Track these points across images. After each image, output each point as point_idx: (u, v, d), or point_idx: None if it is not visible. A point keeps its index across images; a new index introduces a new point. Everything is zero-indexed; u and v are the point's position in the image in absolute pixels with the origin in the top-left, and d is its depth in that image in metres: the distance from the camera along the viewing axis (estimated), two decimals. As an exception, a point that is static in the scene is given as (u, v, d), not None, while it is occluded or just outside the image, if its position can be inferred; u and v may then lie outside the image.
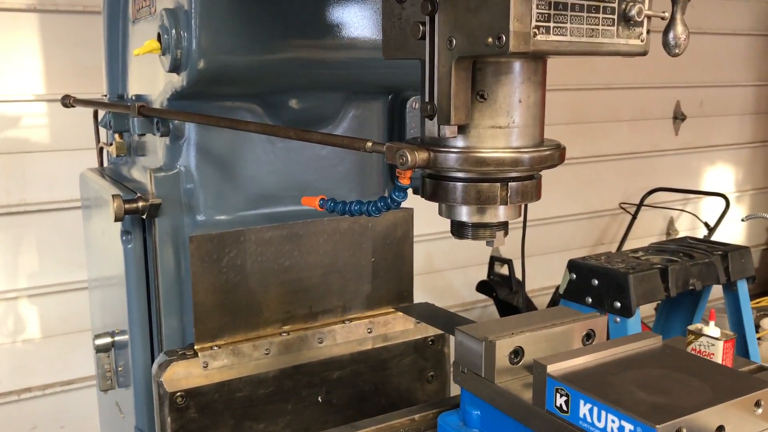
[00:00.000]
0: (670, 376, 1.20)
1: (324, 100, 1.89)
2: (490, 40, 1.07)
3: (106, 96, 2.32)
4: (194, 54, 1.58)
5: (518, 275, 4.72)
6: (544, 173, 1.28)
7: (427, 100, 1.18)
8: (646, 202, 5.83)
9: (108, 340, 2.09)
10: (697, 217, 6.07)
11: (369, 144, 1.26)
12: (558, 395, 1.19)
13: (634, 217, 5.77)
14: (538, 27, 1.07)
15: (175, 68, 1.61)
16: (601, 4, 1.13)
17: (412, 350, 2.02)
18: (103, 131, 2.39)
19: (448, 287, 5.35)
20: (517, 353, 1.36)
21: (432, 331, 2.03)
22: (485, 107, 1.19)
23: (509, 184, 1.23)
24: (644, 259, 3.02)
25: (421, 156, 1.19)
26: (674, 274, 2.89)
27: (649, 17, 1.17)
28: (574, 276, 2.94)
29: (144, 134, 1.88)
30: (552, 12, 1.08)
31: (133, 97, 2.11)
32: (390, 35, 1.26)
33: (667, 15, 1.17)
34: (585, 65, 5.50)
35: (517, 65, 1.18)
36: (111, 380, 2.11)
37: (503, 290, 4.71)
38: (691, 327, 1.70)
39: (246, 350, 1.79)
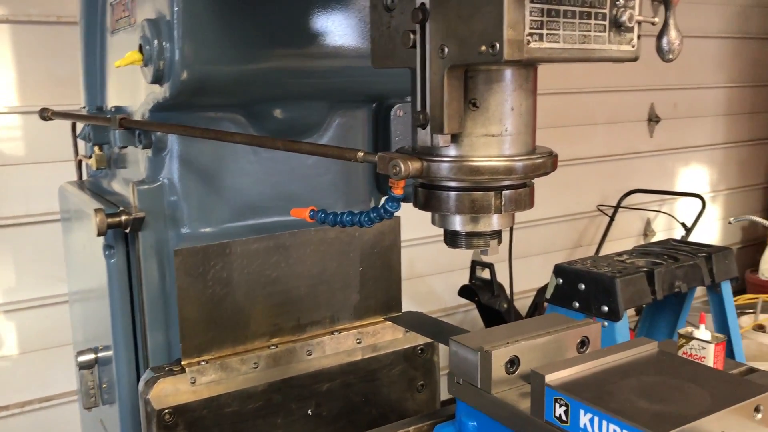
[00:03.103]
0: (669, 383, 1.19)
1: (309, 109, 1.87)
2: (483, 48, 1.06)
3: (84, 108, 2.27)
4: (177, 65, 1.55)
5: (500, 279, 4.73)
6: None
7: (419, 109, 1.17)
8: (623, 204, 5.88)
9: (91, 356, 2.05)
10: (674, 217, 6.14)
11: (360, 154, 1.24)
12: (557, 405, 1.17)
13: (612, 219, 5.81)
14: (531, 34, 1.06)
15: (157, 79, 1.59)
16: (593, 11, 1.13)
17: (402, 360, 2.00)
18: (81, 143, 2.35)
19: (430, 292, 5.34)
20: (513, 363, 1.35)
21: (421, 340, 2.01)
22: (478, 115, 1.18)
23: (503, 192, 1.22)
24: (629, 263, 3.03)
25: (415, 165, 1.17)
26: (660, 276, 2.90)
27: (639, 23, 1.17)
28: (561, 281, 2.94)
29: (125, 147, 1.85)
30: (545, 19, 1.07)
31: (113, 109, 2.07)
32: (379, 44, 1.24)
33: (657, 20, 1.17)
34: (560, 69, 5.53)
35: (509, 73, 1.17)
36: (95, 397, 2.07)
37: (485, 294, 4.71)
38: (681, 330, 1.70)
39: (234, 364, 1.76)
